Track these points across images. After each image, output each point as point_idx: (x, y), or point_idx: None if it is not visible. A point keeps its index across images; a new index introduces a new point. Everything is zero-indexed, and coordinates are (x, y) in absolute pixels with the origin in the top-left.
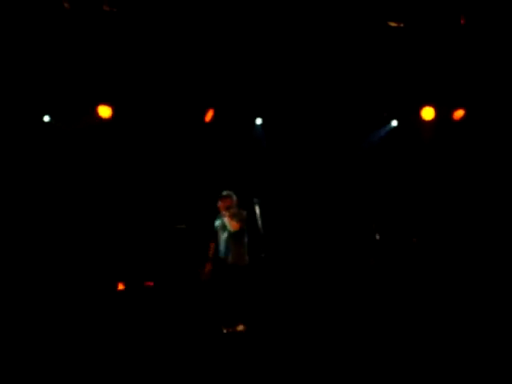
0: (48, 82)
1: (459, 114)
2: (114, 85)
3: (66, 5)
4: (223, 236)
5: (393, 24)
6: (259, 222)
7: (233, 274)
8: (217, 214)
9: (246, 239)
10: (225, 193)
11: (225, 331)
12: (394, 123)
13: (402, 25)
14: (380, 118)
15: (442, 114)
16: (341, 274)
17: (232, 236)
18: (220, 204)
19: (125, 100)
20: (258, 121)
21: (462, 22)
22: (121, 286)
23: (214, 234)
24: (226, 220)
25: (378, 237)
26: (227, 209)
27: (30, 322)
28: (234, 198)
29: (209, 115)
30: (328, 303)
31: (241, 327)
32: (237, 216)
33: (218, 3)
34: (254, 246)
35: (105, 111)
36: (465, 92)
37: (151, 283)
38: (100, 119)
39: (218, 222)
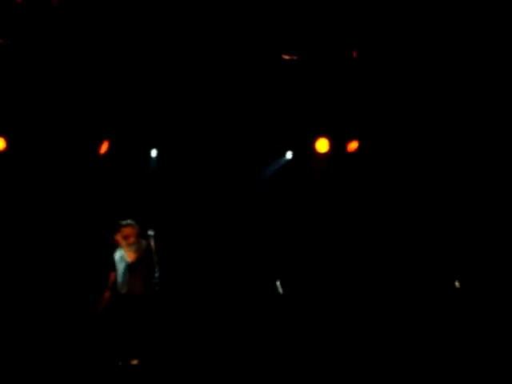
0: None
1: (353, 145)
2: (7, 115)
3: None
4: (121, 267)
5: (286, 57)
6: (154, 255)
7: (126, 304)
8: (115, 245)
9: (144, 269)
10: (124, 222)
11: (120, 364)
12: (289, 155)
13: (295, 57)
14: (274, 151)
15: (336, 145)
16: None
17: (129, 266)
18: (118, 234)
19: (18, 131)
20: (153, 153)
21: (354, 54)
22: None
23: (113, 266)
24: (124, 250)
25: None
26: (125, 238)
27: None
28: (136, 227)
29: (103, 147)
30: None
31: (134, 361)
32: (134, 246)
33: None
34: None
35: None
36: (358, 124)
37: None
38: None
39: (117, 254)
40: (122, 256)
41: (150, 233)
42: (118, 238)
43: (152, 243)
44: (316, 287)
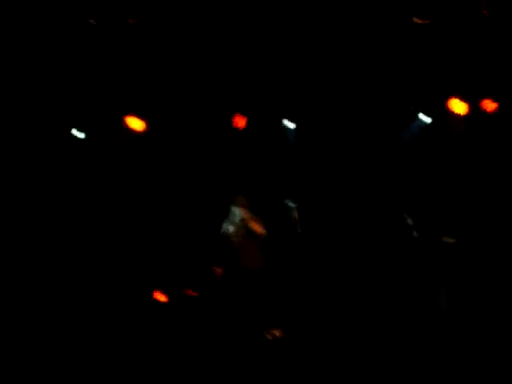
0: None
1: (491, 106)
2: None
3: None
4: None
5: (419, 21)
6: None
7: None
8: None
9: None
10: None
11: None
12: (427, 119)
13: (427, 21)
14: (409, 114)
15: (474, 107)
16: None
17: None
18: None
19: (156, 112)
20: (291, 125)
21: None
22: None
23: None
24: (248, 223)
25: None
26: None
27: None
28: None
29: (240, 122)
30: None
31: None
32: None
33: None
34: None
35: (137, 124)
36: (495, 84)
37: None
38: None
39: (230, 227)
40: (239, 228)
41: (291, 204)
42: (245, 210)
43: (295, 215)
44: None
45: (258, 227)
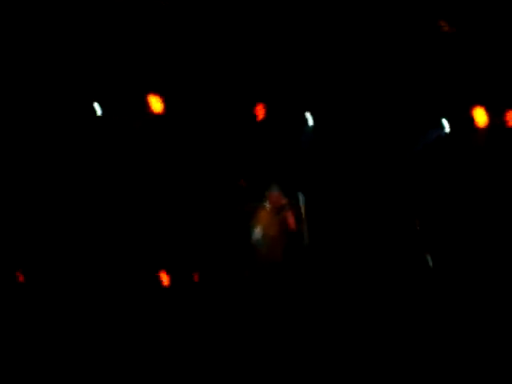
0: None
1: None
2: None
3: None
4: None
5: (445, 28)
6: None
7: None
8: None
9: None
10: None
11: None
12: (447, 128)
13: (454, 29)
14: (430, 121)
15: (496, 117)
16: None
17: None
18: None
19: (176, 92)
20: (310, 121)
21: None
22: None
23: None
24: (273, 217)
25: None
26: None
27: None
28: None
29: (260, 112)
30: None
31: None
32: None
33: None
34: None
35: (156, 104)
36: None
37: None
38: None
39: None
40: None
41: (301, 197)
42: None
43: (302, 209)
44: None
45: (291, 220)
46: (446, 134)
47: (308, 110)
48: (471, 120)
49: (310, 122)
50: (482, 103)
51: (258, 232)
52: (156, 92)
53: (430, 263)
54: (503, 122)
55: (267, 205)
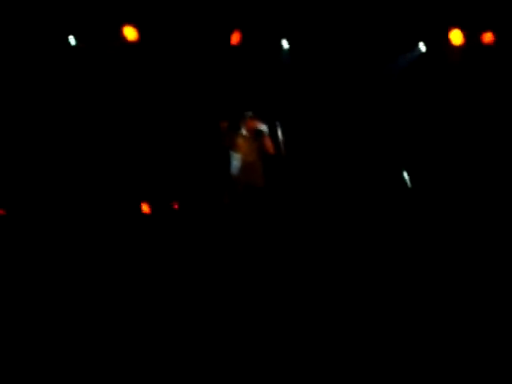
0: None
1: (489, 37)
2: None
3: None
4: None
5: None
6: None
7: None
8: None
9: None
10: (250, 114)
11: None
12: (423, 48)
13: None
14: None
15: (471, 37)
16: None
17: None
18: (246, 125)
19: (151, 22)
20: (285, 44)
21: None
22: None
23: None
24: (249, 142)
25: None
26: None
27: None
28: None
29: (235, 37)
30: None
31: None
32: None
33: None
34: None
35: (130, 33)
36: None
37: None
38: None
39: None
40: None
41: (278, 124)
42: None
43: (280, 135)
44: None
45: (269, 145)
46: (422, 54)
47: (284, 37)
48: (447, 41)
49: (286, 46)
50: (457, 25)
51: (236, 158)
52: (130, 21)
53: (409, 184)
54: (479, 43)
55: (244, 131)
